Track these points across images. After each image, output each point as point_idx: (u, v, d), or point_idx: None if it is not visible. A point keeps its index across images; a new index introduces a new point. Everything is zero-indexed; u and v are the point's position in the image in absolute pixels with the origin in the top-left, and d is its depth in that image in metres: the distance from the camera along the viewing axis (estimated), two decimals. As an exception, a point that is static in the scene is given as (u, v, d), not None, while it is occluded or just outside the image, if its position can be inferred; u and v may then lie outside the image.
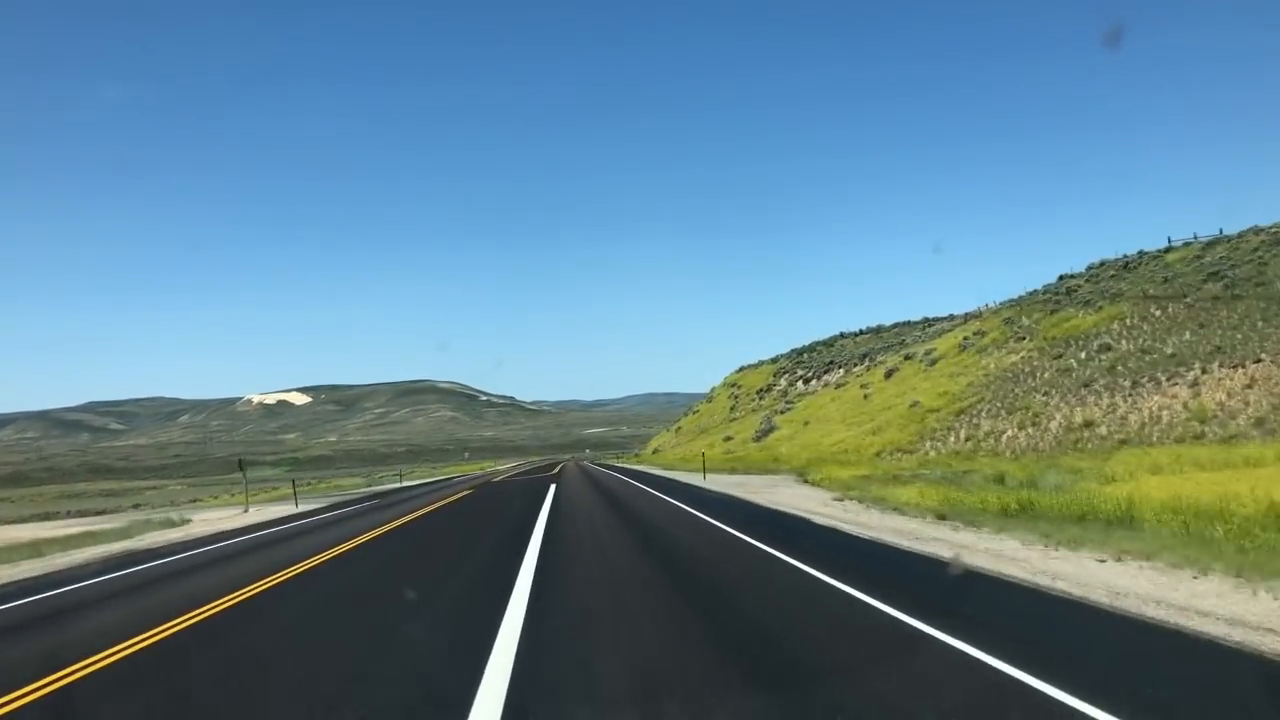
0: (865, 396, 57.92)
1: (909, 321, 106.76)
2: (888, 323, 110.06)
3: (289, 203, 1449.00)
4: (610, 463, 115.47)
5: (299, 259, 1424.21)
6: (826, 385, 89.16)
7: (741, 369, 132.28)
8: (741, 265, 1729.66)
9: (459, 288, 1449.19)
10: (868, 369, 70.81)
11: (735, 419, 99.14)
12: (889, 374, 60.58)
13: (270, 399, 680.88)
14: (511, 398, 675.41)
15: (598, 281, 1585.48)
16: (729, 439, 79.37)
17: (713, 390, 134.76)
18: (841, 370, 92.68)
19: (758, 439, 66.66)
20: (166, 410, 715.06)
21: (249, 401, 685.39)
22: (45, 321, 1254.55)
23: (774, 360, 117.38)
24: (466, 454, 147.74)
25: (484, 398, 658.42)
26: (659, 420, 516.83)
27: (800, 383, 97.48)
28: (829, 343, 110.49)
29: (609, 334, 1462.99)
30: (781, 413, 76.63)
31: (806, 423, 61.15)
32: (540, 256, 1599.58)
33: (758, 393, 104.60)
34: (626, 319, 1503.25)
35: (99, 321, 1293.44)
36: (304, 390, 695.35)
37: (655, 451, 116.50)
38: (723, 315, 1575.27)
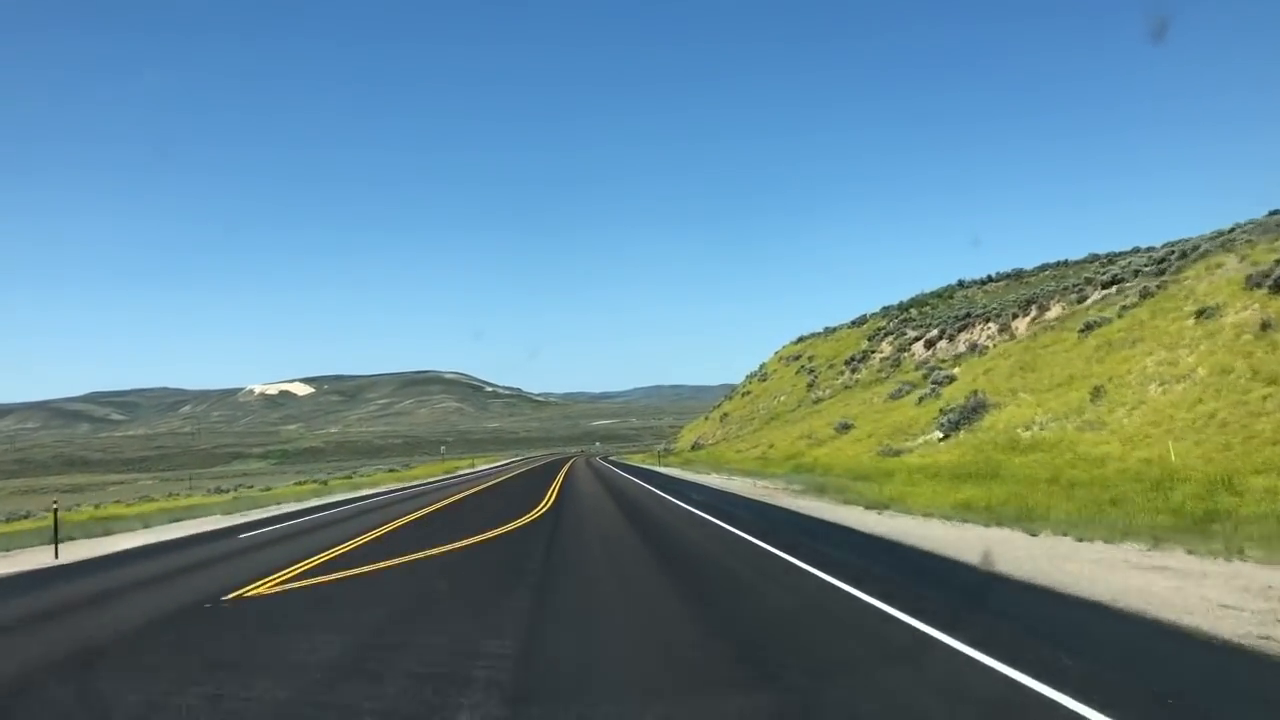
0: (1264, 327, 23.98)
1: (1064, 261, 72.74)
2: (1027, 266, 76.17)
3: (300, 193, 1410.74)
4: (635, 463, 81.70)
5: (307, 249, 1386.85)
6: (973, 351, 55.16)
7: (801, 339, 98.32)
8: (748, 260, 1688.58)
9: (467, 279, 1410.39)
10: (1128, 303, 36.41)
11: (824, 398, 65.20)
12: None
13: (272, 389, 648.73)
14: (518, 389, 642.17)
15: (605, 275, 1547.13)
16: (847, 428, 45.33)
17: (763, 367, 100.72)
18: (992, 324, 58.82)
19: (953, 429, 32.59)
20: (169, 401, 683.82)
21: (250, 392, 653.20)
22: (49, 313, 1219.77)
23: (859, 322, 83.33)
24: (443, 448, 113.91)
25: (489, 389, 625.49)
26: (668, 411, 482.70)
27: (921, 345, 63.47)
28: (943, 294, 76.39)
29: (616, 327, 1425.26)
30: (939, 384, 42.97)
31: (1140, 398, 26.72)
32: (550, 248, 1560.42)
33: (846, 363, 70.80)
34: (634, 312, 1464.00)
35: (104, 312, 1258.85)
36: (307, 381, 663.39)
37: (696, 447, 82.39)
38: (731, 309, 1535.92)
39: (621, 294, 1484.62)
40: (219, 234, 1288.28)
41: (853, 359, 70.79)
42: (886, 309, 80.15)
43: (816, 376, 73.75)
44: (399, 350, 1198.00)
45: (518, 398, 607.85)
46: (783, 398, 76.78)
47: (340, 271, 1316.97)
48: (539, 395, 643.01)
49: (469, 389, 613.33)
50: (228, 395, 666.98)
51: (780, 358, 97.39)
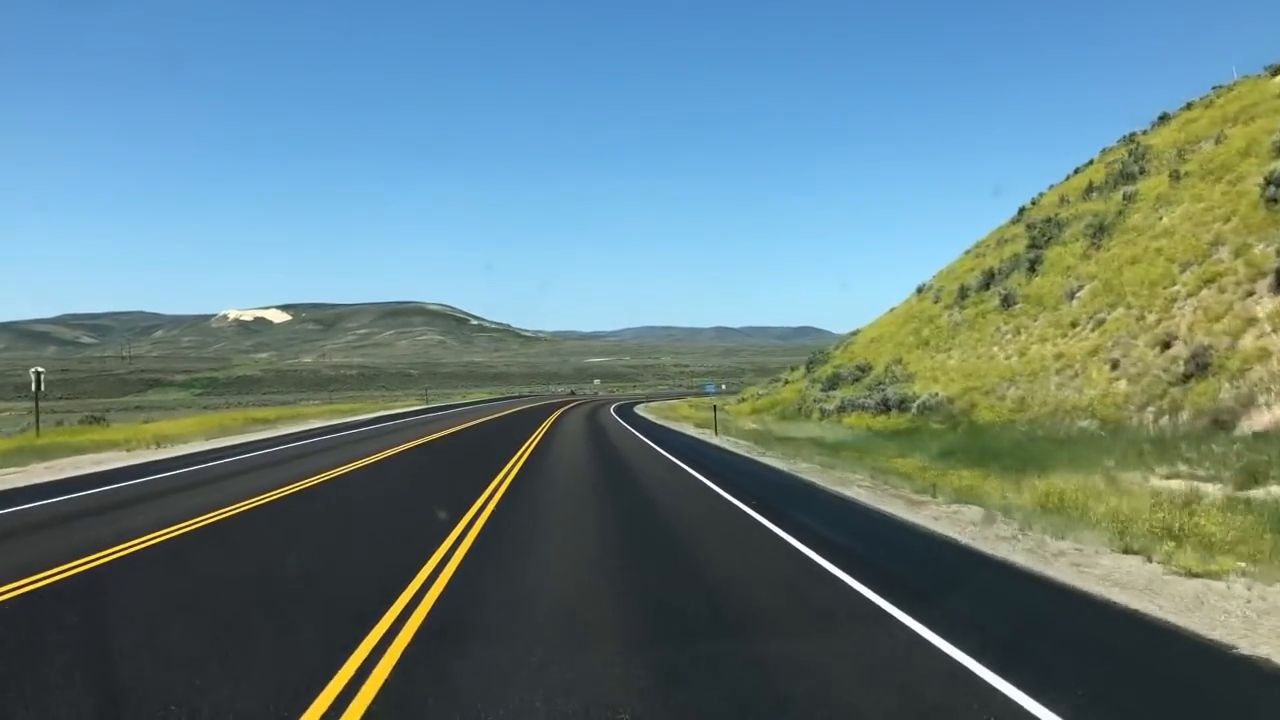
0: None
1: None
2: None
3: (282, 116, 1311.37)
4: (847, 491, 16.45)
5: (295, 174, 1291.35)
6: None
7: (1100, 154, 34.64)
8: (744, 200, 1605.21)
9: (461, 211, 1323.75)
10: None
11: None
12: None
13: (247, 315, 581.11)
14: (507, 325, 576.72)
15: (597, 214, 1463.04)
16: None
17: (1036, 205, 37.04)
18: None
19: None
20: (142, 325, 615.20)
21: (224, 317, 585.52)
22: (20, 233, 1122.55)
23: None
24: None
25: (475, 322, 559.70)
26: (664, 350, 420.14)
27: None
28: None
29: (608, 266, 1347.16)
30: None
31: None
32: (544, 185, 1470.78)
33: None
34: (626, 253, 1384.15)
35: (79, 233, 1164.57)
36: (285, 308, 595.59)
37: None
38: (724, 252, 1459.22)
39: (614, 234, 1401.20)
40: (204, 157, 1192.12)
41: None
42: None
43: None
44: (384, 280, 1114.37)
45: (505, 333, 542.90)
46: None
47: (327, 197, 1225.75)
48: (530, 332, 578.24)
49: (453, 321, 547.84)
50: (201, 320, 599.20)
51: (1071, 193, 33.12)
